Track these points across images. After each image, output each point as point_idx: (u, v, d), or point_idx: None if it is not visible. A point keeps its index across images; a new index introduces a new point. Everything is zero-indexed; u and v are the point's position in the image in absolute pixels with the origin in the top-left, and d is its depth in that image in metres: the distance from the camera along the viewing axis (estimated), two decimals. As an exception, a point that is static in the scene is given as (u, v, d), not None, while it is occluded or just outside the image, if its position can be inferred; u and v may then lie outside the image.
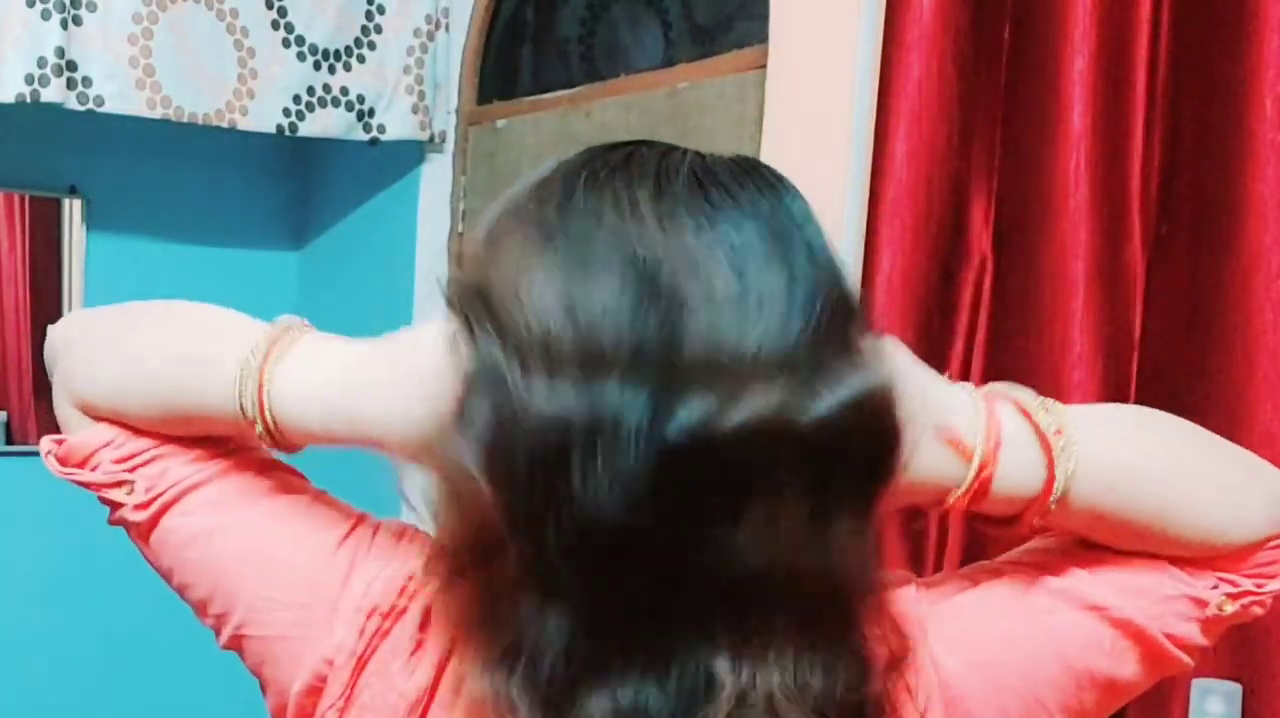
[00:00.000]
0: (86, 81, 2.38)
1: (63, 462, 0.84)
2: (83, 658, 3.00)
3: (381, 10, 2.72)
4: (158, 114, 2.46)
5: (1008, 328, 1.52)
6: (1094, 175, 1.45)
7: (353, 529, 0.81)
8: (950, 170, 1.59)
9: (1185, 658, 0.75)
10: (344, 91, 2.69)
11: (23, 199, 2.87)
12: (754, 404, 0.64)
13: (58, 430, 0.88)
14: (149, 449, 0.81)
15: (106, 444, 0.82)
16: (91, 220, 2.94)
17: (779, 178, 0.77)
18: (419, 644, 0.74)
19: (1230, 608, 0.75)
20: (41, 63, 2.31)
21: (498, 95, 2.79)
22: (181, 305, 0.85)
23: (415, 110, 2.76)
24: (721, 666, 0.65)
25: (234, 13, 2.56)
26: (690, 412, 0.63)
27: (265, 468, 0.83)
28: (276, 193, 3.23)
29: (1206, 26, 1.37)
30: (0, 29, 2.28)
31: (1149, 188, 1.43)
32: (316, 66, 2.66)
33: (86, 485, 0.85)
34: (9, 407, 2.90)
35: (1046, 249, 1.47)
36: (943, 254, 1.59)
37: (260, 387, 0.77)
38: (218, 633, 0.83)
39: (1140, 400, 1.42)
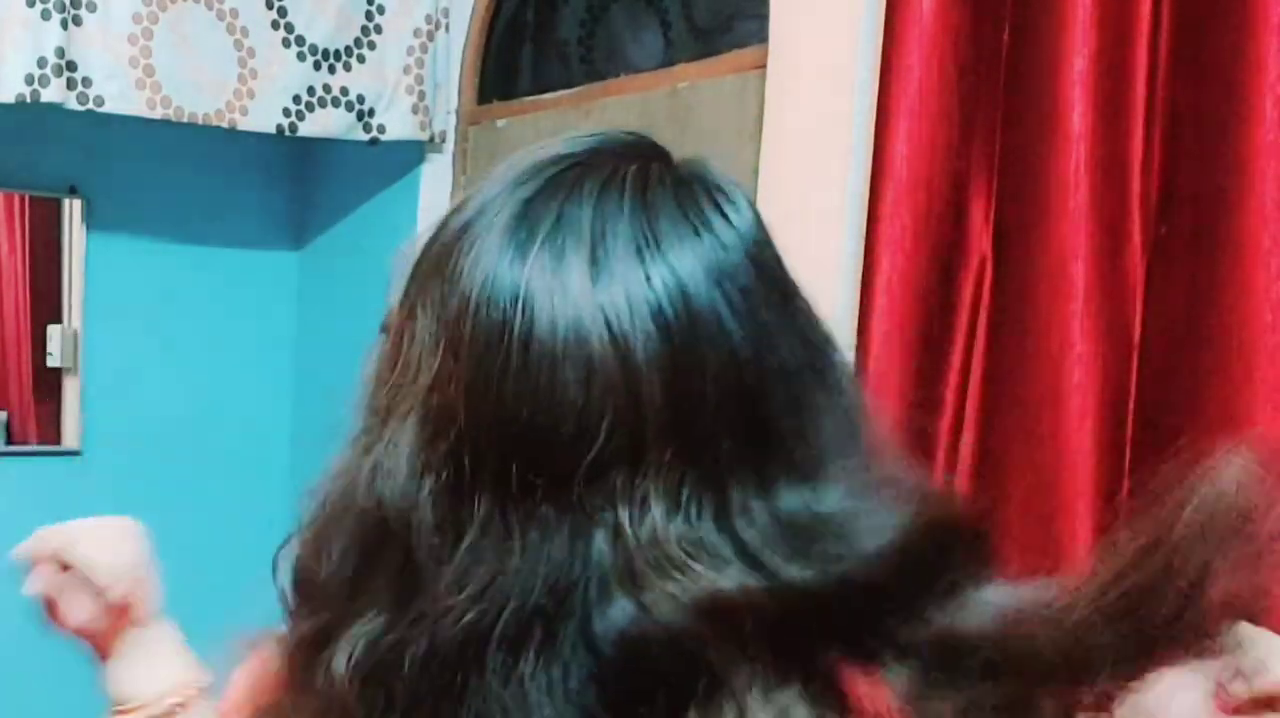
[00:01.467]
0: (86, 81, 2.38)
1: None
2: (82, 658, 3.00)
3: (381, 10, 2.72)
4: (158, 114, 2.46)
5: (1008, 328, 1.52)
6: (1094, 175, 1.45)
7: None
8: (950, 170, 1.59)
9: None
10: (344, 91, 2.69)
11: (23, 199, 2.87)
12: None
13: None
14: None
15: None
16: (91, 220, 2.94)
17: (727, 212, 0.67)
18: None
19: None
20: (41, 63, 2.31)
21: (498, 95, 2.79)
22: None
23: (415, 110, 2.76)
24: None
25: (234, 13, 2.56)
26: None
27: None
28: (276, 193, 3.23)
29: (1206, 27, 1.37)
30: (0, 29, 2.28)
31: (1149, 188, 1.43)
32: (316, 66, 2.66)
33: None
34: (9, 407, 2.90)
35: (1046, 249, 1.47)
36: (943, 254, 1.59)
37: None
38: None
39: (1140, 400, 1.42)
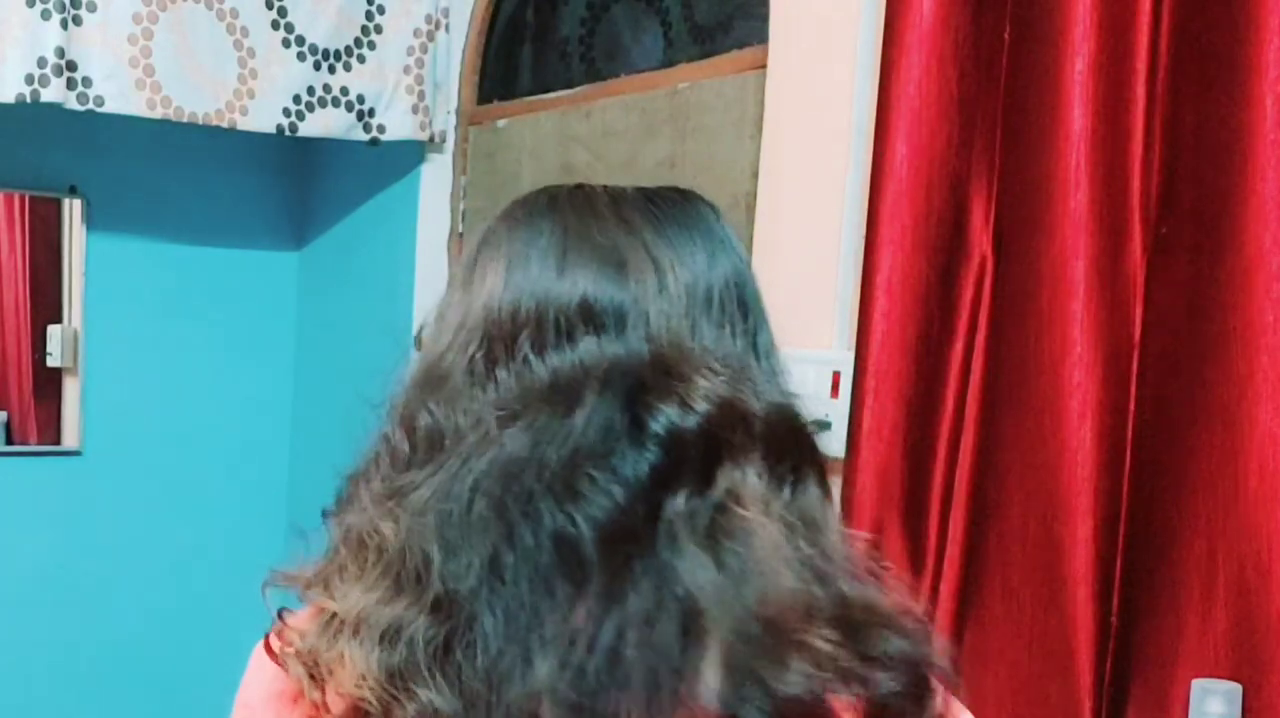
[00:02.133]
0: (86, 81, 2.38)
1: None
2: (82, 658, 3.00)
3: (381, 10, 2.72)
4: (158, 114, 2.46)
5: (1008, 328, 1.52)
6: (1094, 175, 1.45)
7: None
8: (950, 170, 1.59)
9: None
10: (344, 91, 2.69)
11: (23, 199, 2.87)
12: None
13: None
14: None
15: None
16: (91, 220, 2.94)
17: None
18: None
19: None
20: (41, 63, 2.31)
21: (498, 95, 2.79)
22: None
23: (415, 110, 2.76)
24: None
25: (234, 13, 2.56)
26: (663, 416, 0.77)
27: None
28: (276, 193, 3.23)
29: (1207, 27, 1.37)
30: (0, 29, 2.28)
31: (1149, 188, 1.43)
32: (316, 66, 2.66)
33: None
34: (9, 407, 2.90)
35: (1046, 249, 1.47)
36: (943, 254, 1.59)
37: None
38: None
39: (1140, 401, 1.42)
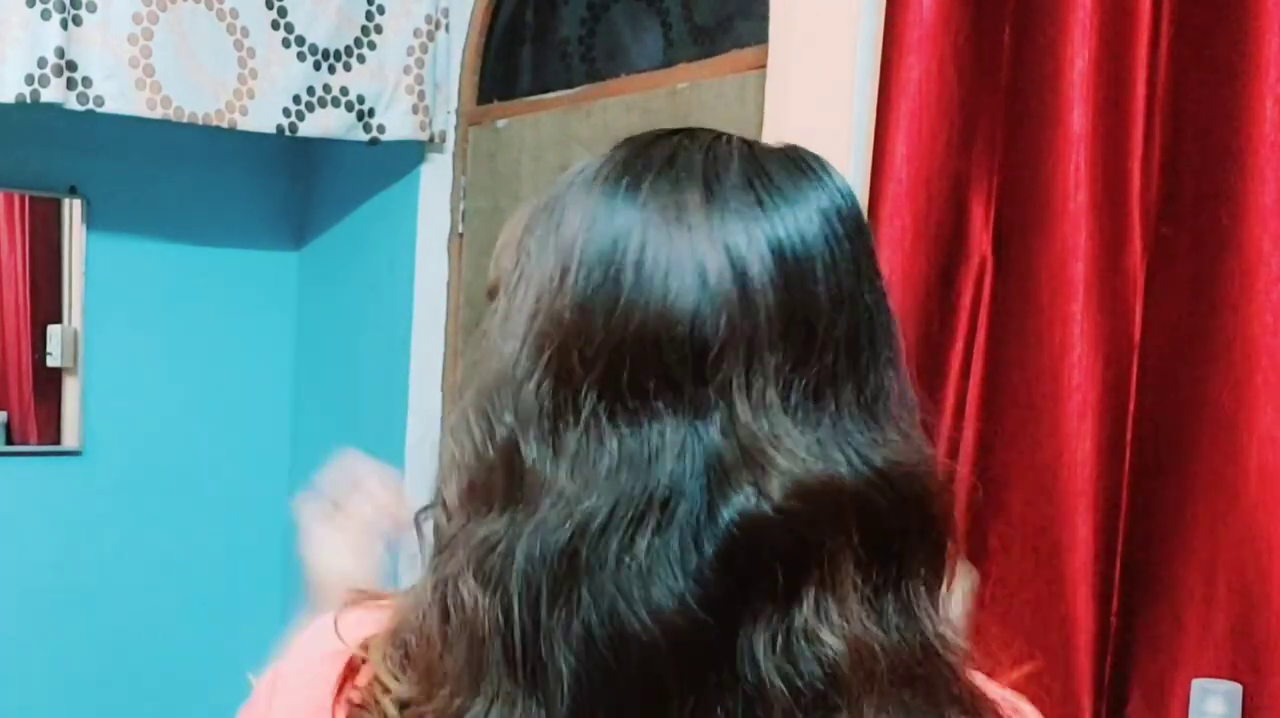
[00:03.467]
0: (86, 81, 2.38)
1: None
2: (82, 658, 3.00)
3: (381, 10, 2.72)
4: (158, 114, 2.46)
5: (1008, 328, 1.52)
6: (1094, 175, 1.45)
7: None
8: (950, 170, 1.59)
9: None
10: (344, 91, 2.69)
11: (23, 199, 2.87)
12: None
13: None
14: None
15: None
16: (91, 220, 2.94)
17: (826, 173, 0.73)
18: None
19: None
20: (41, 63, 2.31)
21: (498, 95, 2.79)
22: None
23: (415, 110, 2.76)
24: None
25: (234, 13, 2.56)
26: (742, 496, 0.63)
27: None
28: (276, 193, 3.23)
29: (1207, 27, 1.37)
30: (0, 29, 2.28)
31: (1149, 188, 1.43)
32: (316, 66, 2.66)
33: None
34: (9, 407, 2.90)
35: (1046, 250, 1.47)
36: (943, 254, 1.59)
37: None
38: None
39: (1140, 402, 1.42)
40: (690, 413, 0.63)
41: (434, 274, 2.83)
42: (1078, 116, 1.45)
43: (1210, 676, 1.33)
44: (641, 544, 0.62)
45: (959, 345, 1.58)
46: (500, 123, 2.72)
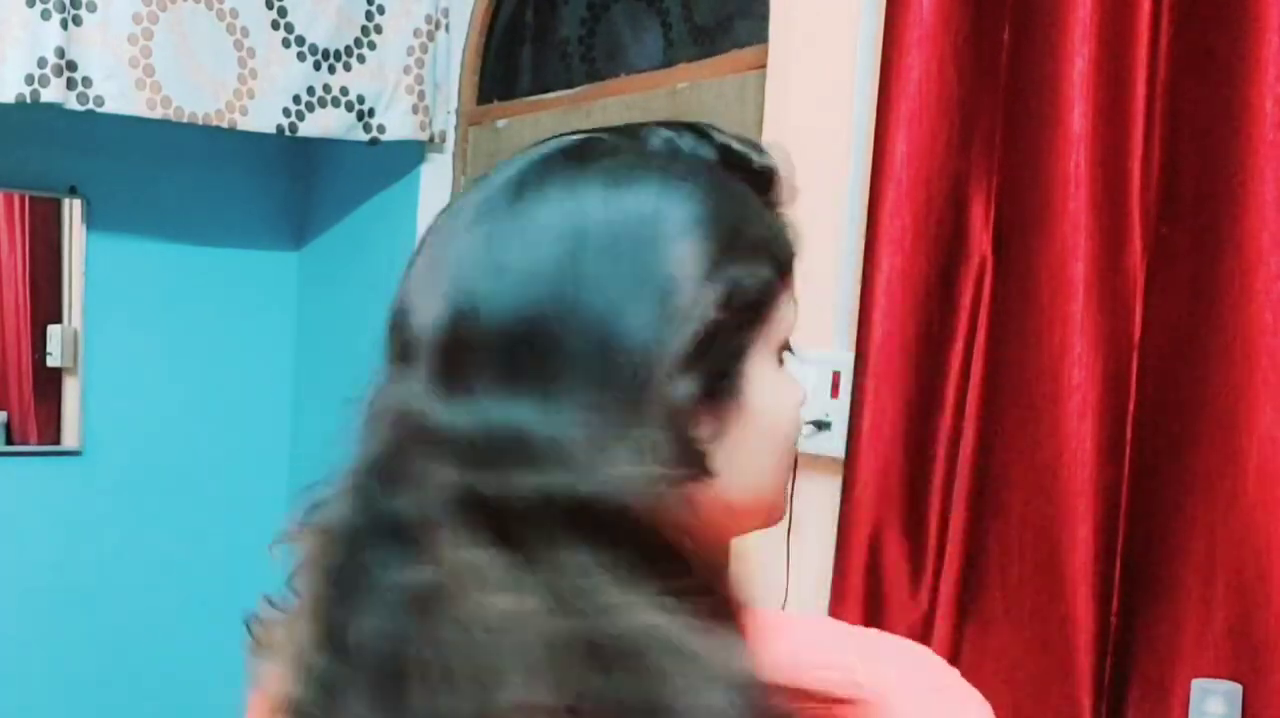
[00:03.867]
0: (86, 81, 2.38)
1: None
2: (83, 657, 3.00)
3: (381, 10, 2.72)
4: (158, 114, 2.46)
5: (1008, 328, 1.52)
6: (1094, 175, 1.45)
7: None
8: (950, 170, 1.59)
9: None
10: (344, 91, 2.69)
11: (23, 199, 2.87)
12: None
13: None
14: None
15: None
16: (91, 220, 2.94)
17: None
18: None
19: None
20: (41, 63, 2.31)
21: (498, 95, 2.79)
22: None
23: (415, 110, 2.76)
24: None
25: (234, 13, 2.56)
26: None
27: None
28: (276, 193, 3.23)
29: (1207, 27, 1.37)
30: (0, 29, 2.28)
31: (1149, 188, 1.43)
32: (316, 66, 2.66)
33: None
34: (9, 407, 2.90)
35: (1046, 250, 1.47)
36: (943, 254, 1.59)
37: None
38: None
39: (1139, 401, 1.42)
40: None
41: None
42: (1077, 116, 1.45)
43: (1210, 676, 1.33)
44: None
45: (959, 345, 1.58)
46: (500, 123, 2.72)
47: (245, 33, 2.57)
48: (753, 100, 2.04)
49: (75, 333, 2.93)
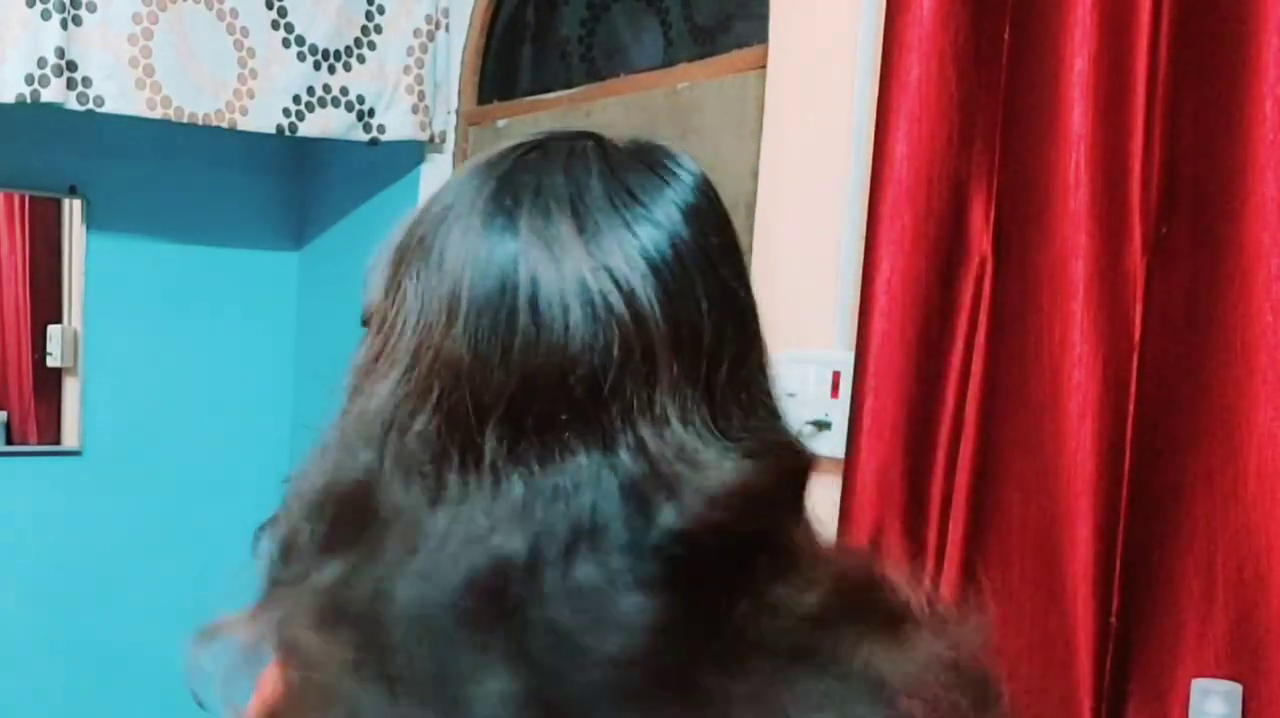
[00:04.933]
0: (86, 81, 2.38)
1: None
2: (83, 657, 3.00)
3: (381, 10, 2.72)
4: (158, 114, 2.46)
5: (1008, 328, 1.52)
6: (1094, 175, 1.45)
7: None
8: (950, 170, 1.59)
9: None
10: (344, 91, 2.69)
11: (23, 199, 2.87)
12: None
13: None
14: None
15: None
16: (91, 220, 2.94)
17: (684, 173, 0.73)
18: None
19: None
20: (41, 63, 2.31)
21: (498, 95, 2.79)
22: None
23: (415, 110, 2.76)
24: None
25: (234, 13, 2.56)
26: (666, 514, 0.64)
27: None
28: (276, 193, 3.23)
29: (1207, 27, 1.37)
30: (0, 29, 2.28)
31: (1149, 188, 1.43)
32: (316, 66, 2.66)
33: None
34: (9, 407, 2.90)
35: (1046, 249, 1.47)
36: (943, 254, 1.59)
37: None
38: None
39: (1139, 400, 1.42)
40: (599, 441, 0.65)
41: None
42: (1077, 116, 1.45)
43: (1210, 676, 1.33)
44: (584, 573, 0.63)
45: (959, 345, 1.58)
46: (500, 123, 2.72)
47: (245, 33, 2.57)
48: (753, 100, 2.04)
49: (75, 333, 2.93)
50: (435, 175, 2.85)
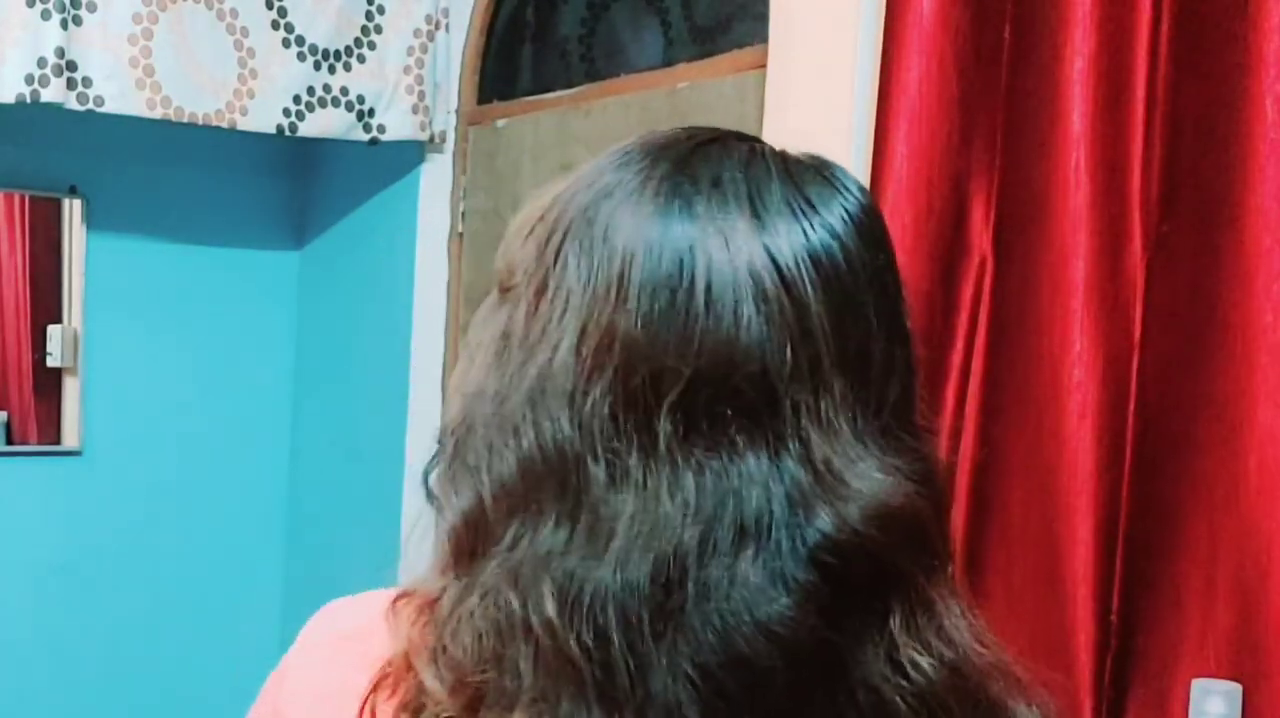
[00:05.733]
0: (86, 81, 2.38)
1: None
2: (83, 657, 3.00)
3: (381, 10, 2.72)
4: (158, 114, 2.46)
5: (1008, 328, 1.52)
6: (1094, 175, 1.45)
7: None
8: (950, 170, 1.59)
9: None
10: (344, 91, 2.69)
11: (23, 199, 2.87)
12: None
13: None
14: None
15: None
16: (91, 220, 2.94)
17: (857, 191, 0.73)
18: None
19: None
20: (41, 63, 2.31)
21: (498, 95, 2.79)
22: None
23: (415, 110, 2.76)
24: None
25: (234, 13, 2.56)
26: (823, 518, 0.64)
27: None
28: (276, 193, 3.23)
29: (1206, 27, 1.37)
30: (0, 29, 2.28)
31: (1149, 188, 1.43)
32: (316, 66, 2.66)
33: None
34: (9, 407, 2.90)
35: (1046, 249, 1.47)
36: (943, 254, 1.59)
37: None
38: None
39: (1139, 400, 1.42)
40: (766, 441, 0.64)
41: (434, 274, 2.83)
42: (1077, 116, 1.45)
43: (1210, 675, 1.33)
44: (743, 570, 0.62)
45: (959, 344, 1.58)
46: (500, 123, 2.72)
47: (245, 33, 2.57)
48: (753, 100, 2.04)
49: (75, 333, 2.93)
50: (435, 175, 2.85)
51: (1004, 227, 1.55)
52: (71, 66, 2.35)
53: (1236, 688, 1.31)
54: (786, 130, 1.89)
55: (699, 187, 0.67)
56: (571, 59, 2.65)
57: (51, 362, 2.91)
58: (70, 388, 2.95)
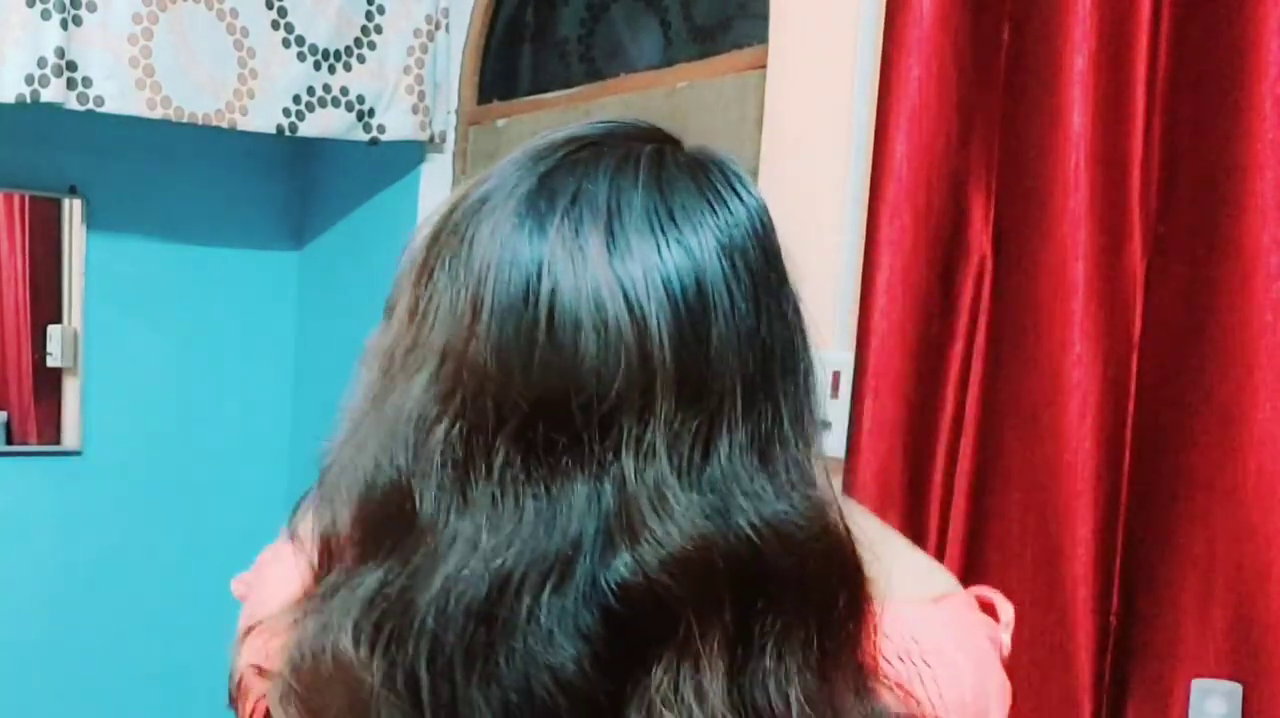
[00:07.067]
0: (86, 81, 2.38)
1: None
2: (82, 657, 3.00)
3: (381, 10, 2.72)
4: (158, 114, 2.46)
5: (1008, 328, 1.52)
6: (1094, 175, 1.45)
7: None
8: (950, 170, 1.59)
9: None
10: (344, 91, 2.69)
11: (23, 199, 2.87)
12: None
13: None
14: None
15: None
16: (91, 220, 2.94)
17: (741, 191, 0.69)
18: None
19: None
20: (41, 63, 2.31)
21: (498, 95, 2.79)
22: None
23: (415, 110, 2.76)
24: None
25: (234, 13, 2.56)
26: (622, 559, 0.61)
27: None
28: (276, 193, 3.23)
29: (1206, 27, 1.37)
30: (0, 29, 2.28)
31: (1149, 188, 1.43)
32: (316, 66, 2.66)
33: None
34: (9, 407, 2.90)
35: (1046, 249, 1.47)
36: (943, 254, 1.59)
37: None
38: None
39: (1139, 400, 1.42)
40: (593, 470, 0.62)
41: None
42: (1077, 116, 1.45)
43: (1210, 676, 1.33)
44: (544, 605, 0.61)
45: (959, 345, 1.58)
46: (500, 122, 2.72)
47: (245, 33, 2.57)
48: (753, 100, 2.04)
49: (75, 333, 2.93)
50: (435, 175, 2.85)
51: (1004, 227, 1.55)
52: (71, 66, 2.35)
53: (1236, 688, 1.31)
54: (786, 130, 1.90)
55: (555, 204, 0.65)
56: (571, 59, 2.65)
57: (51, 362, 2.91)
58: (70, 388, 2.95)
